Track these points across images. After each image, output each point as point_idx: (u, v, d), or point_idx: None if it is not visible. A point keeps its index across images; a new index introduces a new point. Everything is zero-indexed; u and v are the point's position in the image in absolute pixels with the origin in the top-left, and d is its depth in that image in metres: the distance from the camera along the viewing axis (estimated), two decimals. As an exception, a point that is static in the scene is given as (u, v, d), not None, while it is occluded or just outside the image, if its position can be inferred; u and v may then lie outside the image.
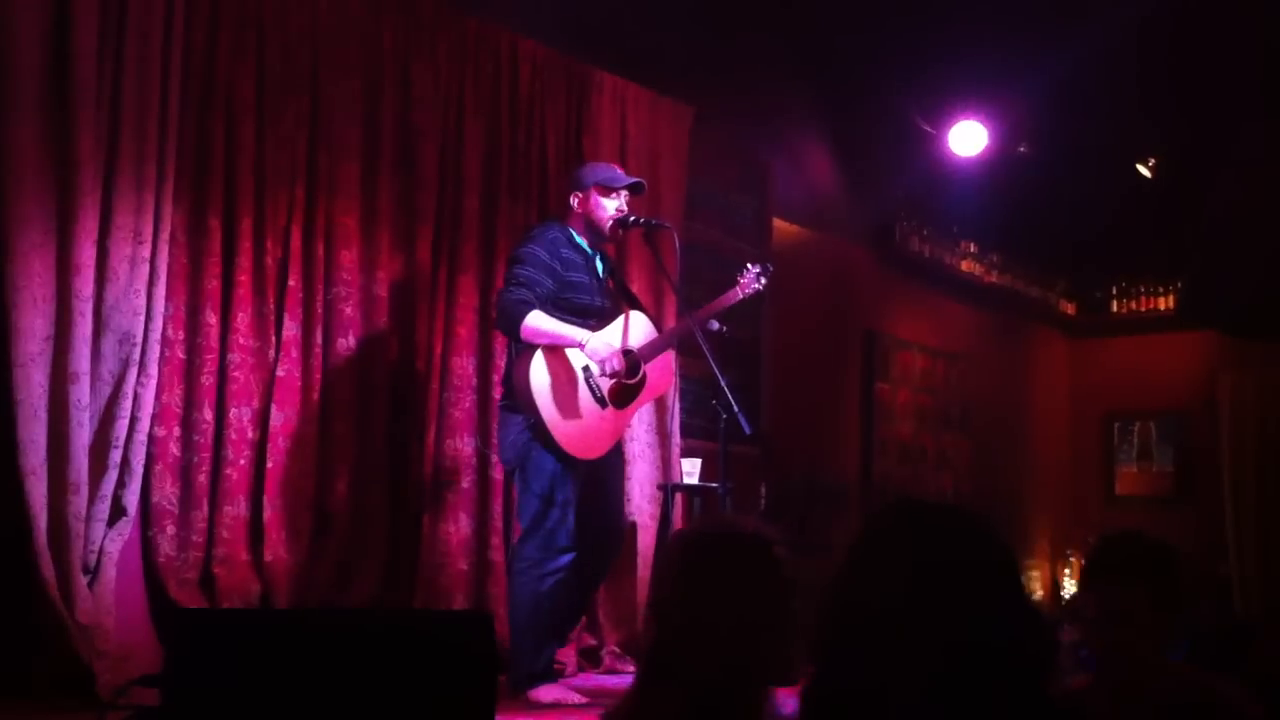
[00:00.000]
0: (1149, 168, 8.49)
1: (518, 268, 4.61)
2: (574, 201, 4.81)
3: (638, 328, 4.82)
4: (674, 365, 5.02)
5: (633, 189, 4.86)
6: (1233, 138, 7.49)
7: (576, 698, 4.55)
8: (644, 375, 4.76)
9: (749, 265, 5.09)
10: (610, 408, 4.66)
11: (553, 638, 4.72)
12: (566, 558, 4.57)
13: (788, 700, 2.01)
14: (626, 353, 4.70)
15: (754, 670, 2.00)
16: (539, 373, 4.55)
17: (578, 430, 4.59)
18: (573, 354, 4.61)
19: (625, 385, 4.69)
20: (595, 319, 4.71)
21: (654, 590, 2.20)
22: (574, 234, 4.80)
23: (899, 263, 8.81)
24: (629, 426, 6.03)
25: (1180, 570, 2.60)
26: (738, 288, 5.02)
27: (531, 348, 4.55)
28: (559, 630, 4.81)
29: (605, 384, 4.65)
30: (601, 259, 4.91)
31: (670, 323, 5.51)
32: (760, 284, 5.04)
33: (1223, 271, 8.93)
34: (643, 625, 2.07)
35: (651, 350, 4.79)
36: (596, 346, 4.58)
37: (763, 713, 2.03)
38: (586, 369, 4.61)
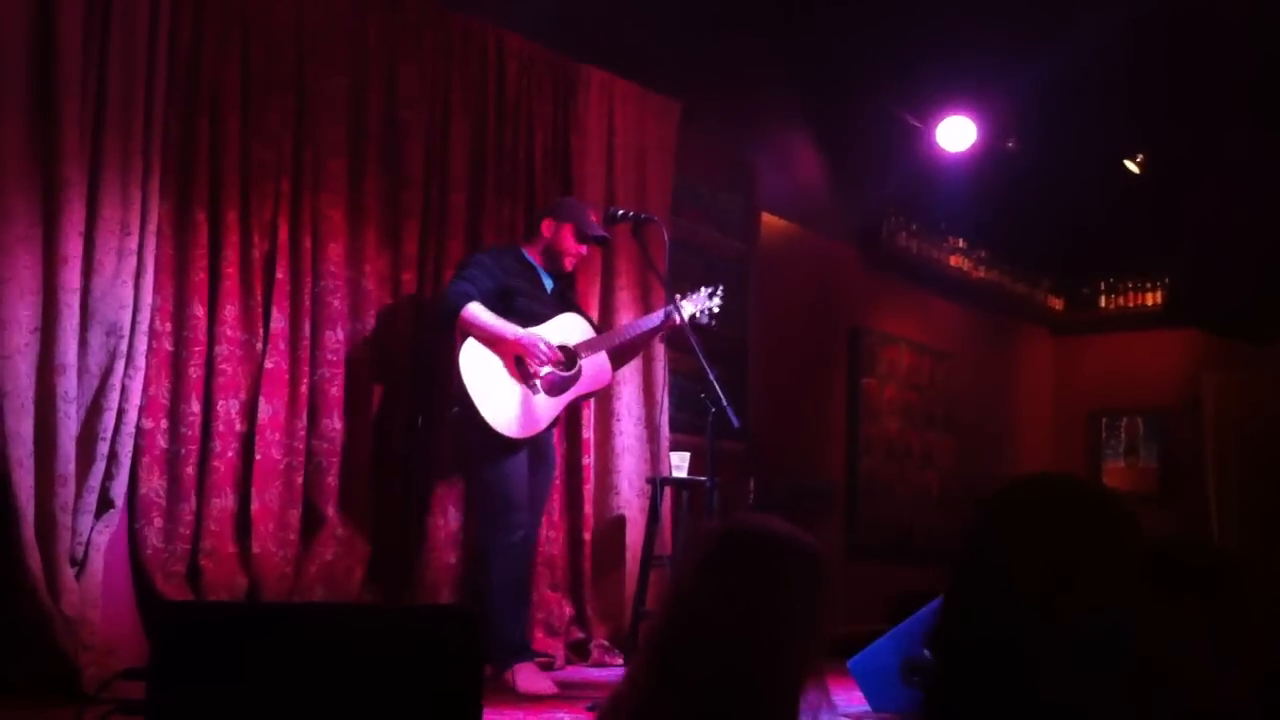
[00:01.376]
0: (1137, 164, 8.51)
1: (463, 269, 4.94)
2: (545, 228, 5.05)
3: (575, 328, 5.01)
4: (608, 366, 5.15)
5: (601, 242, 5.21)
6: (1219, 138, 7.52)
7: (552, 687, 4.67)
8: (580, 369, 4.93)
9: (702, 289, 5.17)
10: (541, 393, 4.83)
11: (522, 607, 4.95)
12: (519, 533, 4.81)
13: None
14: (561, 347, 4.89)
15: (767, 678, 1.92)
16: (470, 356, 4.75)
17: (506, 410, 4.76)
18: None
19: (560, 376, 4.86)
20: (534, 323, 4.88)
21: (676, 580, 2.13)
22: (526, 255, 5.06)
23: (886, 259, 8.82)
24: (615, 419, 6.06)
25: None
26: (671, 315, 4.99)
27: (464, 336, 4.75)
28: (526, 598, 5.06)
29: (538, 371, 4.82)
30: (554, 279, 5.10)
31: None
32: (709, 308, 5.13)
33: (1209, 271, 8.97)
34: (655, 613, 2.08)
35: (589, 348, 4.98)
36: (531, 341, 4.75)
37: (782, 715, 1.97)
38: (518, 358, 4.78)
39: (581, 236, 5.03)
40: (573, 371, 4.92)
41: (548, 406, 4.87)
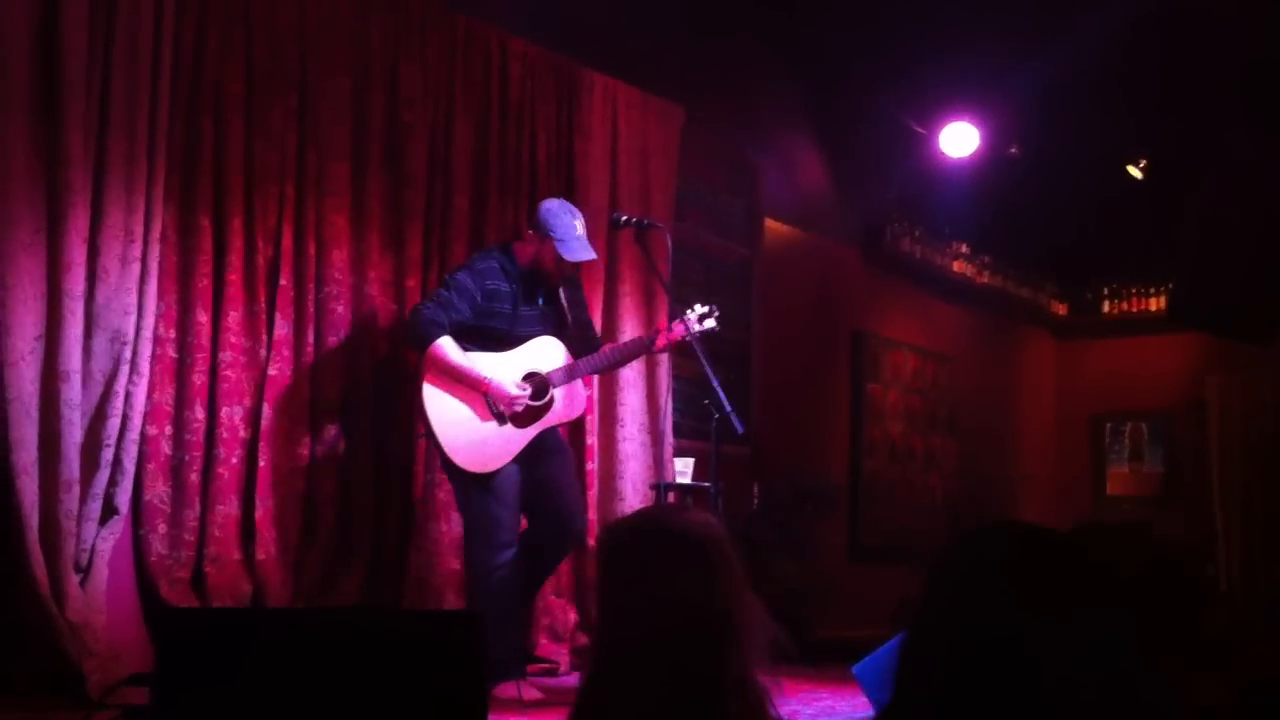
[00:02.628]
0: (1140, 169, 8.51)
1: (442, 289, 4.76)
2: (528, 238, 4.88)
3: (550, 353, 4.83)
4: (583, 395, 5.06)
5: (579, 263, 4.96)
6: (1219, 139, 7.51)
7: (533, 694, 4.59)
8: (551, 398, 4.79)
9: (695, 307, 4.97)
10: (508, 425, 4.71)
11: (506, 629, 4.73)
12: (508, 553, 4.67)
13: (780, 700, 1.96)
14: (530, 375, 4.75)
15: (708, 670, 1.87)
16: (432, 388, 4.65)
17: (467, 443, 4.65)
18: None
19: (530, 406, 4.73)
20: (508, 347, 4.76)
21: (597, 590, 2.12)
22: (517, 260, 4.85)
23: (889, 263, 8.83)
24: (620, 424, 6.05)
25: None
26: (660, 335, 4.96)
27: (429, 366, 4.65)
28: (515, 621, 4.87)
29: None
30: (546, 286, 4.90)
31: (661, 323, 5.48)
32: (699, 328, 4.92)
33: (1211, 273, 8.96)
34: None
35: (563, 377, 4.81)
36: (499, 387, 4.63)
37: (729, 710, 1.93)
38: (487, 382, 4.65)
39: (559, 262, 4.80)
40: (544, 401, 4.76)
41: (515, 438, 4.72)
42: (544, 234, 4.79)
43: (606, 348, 5.09)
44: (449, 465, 4.73)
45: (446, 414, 4.64)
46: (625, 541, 2.01)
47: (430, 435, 4.67)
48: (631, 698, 1.87)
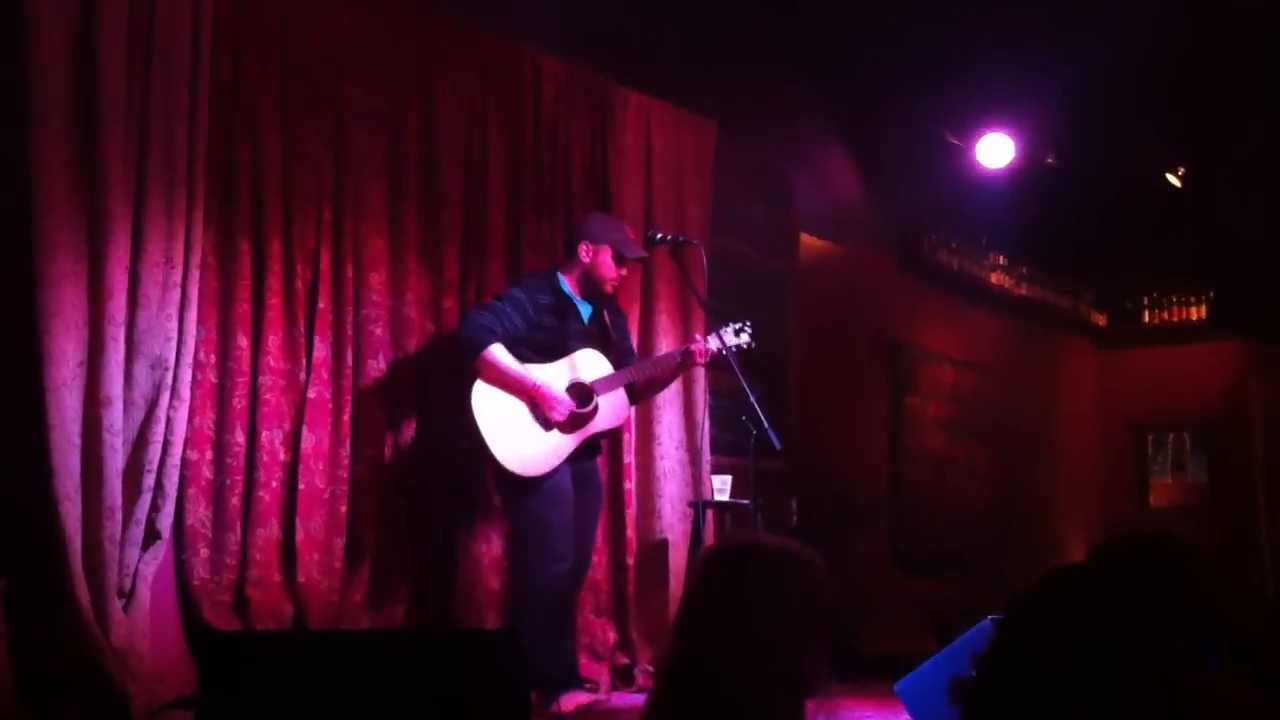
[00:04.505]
0: (1179, 177, 8.44)
1: (495, 300, 4.87)
2: (582, 251, 4.94)
3: (594, 364, 4.91)
4: (626, 404, 5.10)
5: (641, 261, 5.11)
6: (1257, 144, 7.46)
7: (602, 703, 4.62)
8: (595, 406, 4.85)
9: (729, 324, 5.05)
10: (555, 431, 4.77)
11: (563, 641, 4.82)
12: (564, 564, 4.73)
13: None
14: (574, 385, 4.82)
15: (773, 684, 1.97)
16: (482, 394, 4.71)
17: (516, 448, 4.70)
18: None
19: (575, 414, 4.79)
20: (555, 359, 4.84)
21: (680, 606, 2.20)
22: (562, 282, 4.95)
23: (927, 274, 8.79)
24: (657, 442, 6.05)
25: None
26: (692, 354, 4.98)
27: (479, 373, 4.72)
28: (568, 633, 4.91)
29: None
30: (593, 307, 5.01)
31: (695, 338, 5.47)
32: (734, 342, 5.00)
33: (1253, 278, 8.88)
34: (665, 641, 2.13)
35: (607, 385, 4.89)
36: (549, 392, 4.71)
37: None
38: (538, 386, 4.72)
39: (619, 259, 4.95)
40: (589, 409, 4.84)
41: (563, 444, 4.79)
42: (599, 240, 4.92)
43: (645, 360, 5.18)
44: (499, 474, 4.77)
45: (495, 419, 4.70)
46: (724, 562, 2.08)
47: (478, 441, 4.69)
48: (697, 714, 1.93)
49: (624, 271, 5.04)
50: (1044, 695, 1.71)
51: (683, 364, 5.07)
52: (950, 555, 8.55)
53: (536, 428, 4.74)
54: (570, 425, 4.79)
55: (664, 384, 5.40)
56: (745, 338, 5.03)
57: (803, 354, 7.42)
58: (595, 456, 5.10)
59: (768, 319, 5.12)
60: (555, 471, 4.75)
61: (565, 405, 4.73)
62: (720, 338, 4.98)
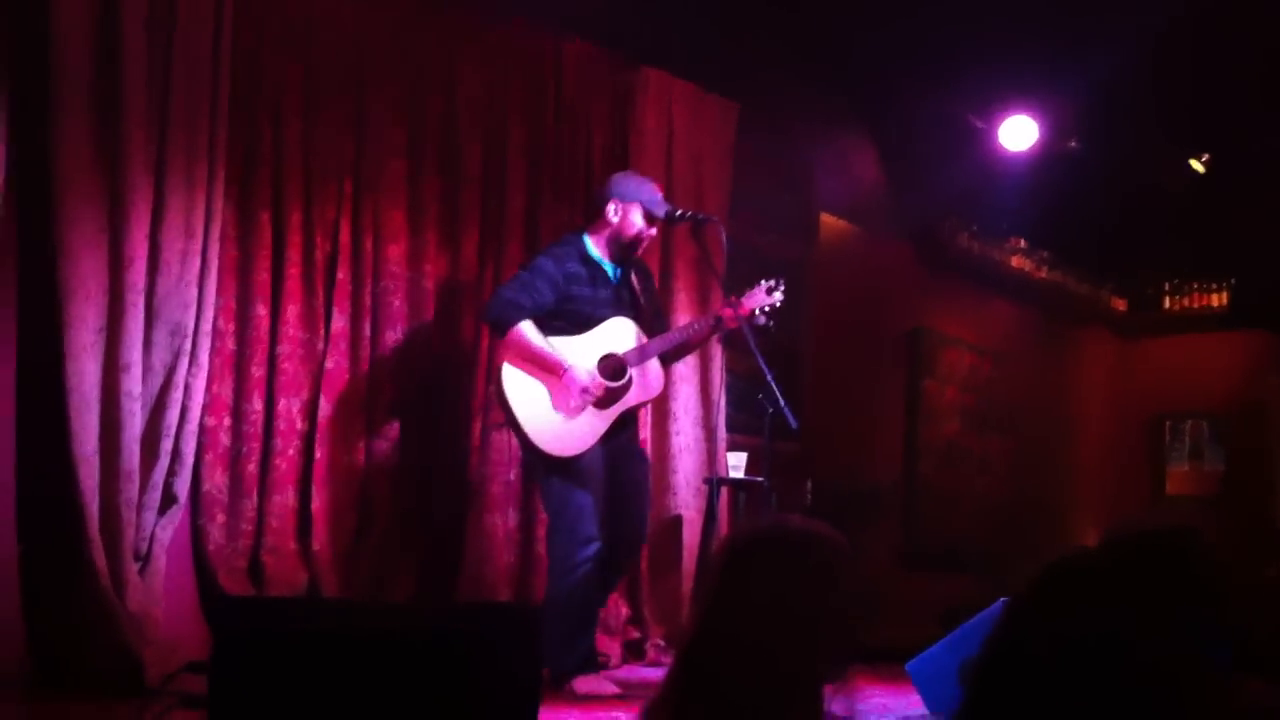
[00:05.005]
0: (1202, 162, 8.39)
1: (524, 272, 4.72)
2: (611, 210, 4.80)
3: (625, 334, 4.78)
4: (659, 374, 4.94)
5: (671, 219, 4.91)
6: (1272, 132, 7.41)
7: (612, 689, 4.59)
8: (629, 379, 4.73)
9: (762, 281, 4.92)
10: (589, 409, 4.65)
11: (585, 628, 4.73)
12: (592, 547, 4.61)
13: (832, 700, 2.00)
14: (606, 357, 4.69)
15: (794, 669, 1.98)
16: (512, 375, 4.61)
17: (550, 427, 4.60)
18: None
19: (609, 388, 4.67)
20: (585, 329, 4.72)
21: (698, 588, 2.20)
22: (590, 247, 4.82)
23: (946, 260, 8.75)
24: (673, 419, 6.05)
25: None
26: (726, 316, 4.85)
27: (508, 350, 4.62)
28: (591, 620, 4.82)
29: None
30: (622, 269, 4.89)
31: (729, 302, 5.41)
32: (769, 302, 4.88)
33: (1275, 271, 8.84)
34: (686, 621, 2.11)
35: (639, 356, 4.76)
36: (573, 378, 4.58)
37: (807, 713, 2.02)
38: (566, 370, 4.61)
39: (650, 217, 4.80)
40: (622, 382, 4.71)
41: (597, 419, 4.68)
42: (628, 198, 4.78)
43: (679, 325, 5.06)
44: (531, 453, 4.69)
45: (528, 398, 4.60)
46: (752, 547, 2.08)
47: (512, 421, 4.62)
48: (715, 696, 1.94)
49: (654, 230, 4.89)
50: (1045, 693, 1.71)
51: (716, 328, 4.93)
52: (963, 548, 8.53)
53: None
54: (605, 401, 4.68)
55: (695, 348, 5.32)
56: (778, 296, 4.89)
57: (820, 339, 7.40)
58: (632, 427, 4.97)
59: (785, 302, 5.04)
60: (588, 451, 4.65)
61: (593, 389, 4.61)
62: (753, 298, 4.86)
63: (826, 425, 7.27)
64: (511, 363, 4.63)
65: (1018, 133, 7.92)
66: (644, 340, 4.81)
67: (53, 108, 4.01)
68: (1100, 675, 1.66)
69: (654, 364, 4.86)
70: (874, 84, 7.50)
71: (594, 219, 4.91)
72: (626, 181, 4.90)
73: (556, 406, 4.62)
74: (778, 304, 4.90)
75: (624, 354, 4.73)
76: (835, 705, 2.00)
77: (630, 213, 4.78)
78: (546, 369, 4.61)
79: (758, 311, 4.86)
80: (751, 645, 1.95)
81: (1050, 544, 8.93)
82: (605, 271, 4.83)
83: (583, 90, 5.88)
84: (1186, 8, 6.19)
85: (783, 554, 2.03)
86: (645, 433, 5.87)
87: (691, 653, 2.05)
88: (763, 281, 4.92)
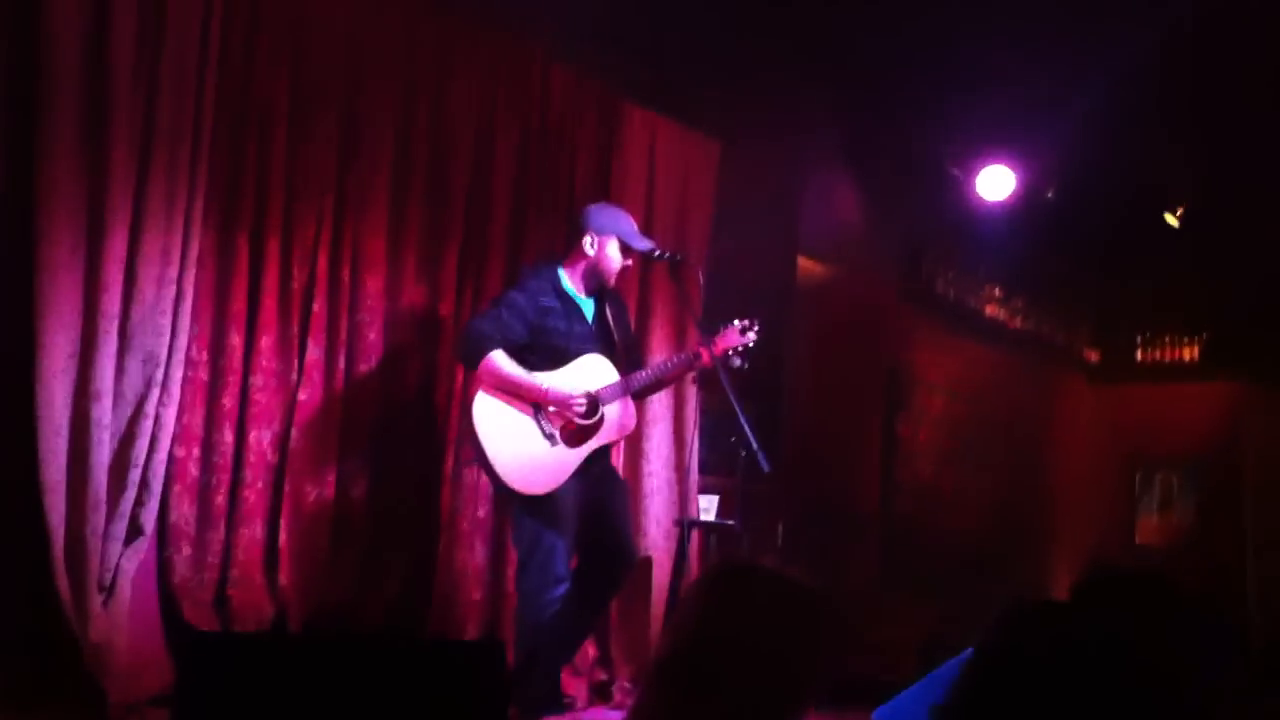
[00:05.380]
0: (1176, 217, 8.46)
1: (494, 307, 4.68)
2: (587, 242, 4.78)
3: (599, 371, 4.75)
4: (633, 411, 4.92)
5: (647, 254, 4.89)
6: (1255, 181, 7.48)
7: None
8: (602, 416, 4.70)
9: (736, 321, 4.91)
10: (560, 445, 4.62)
11: (553, 666, 4.69)
12: (559, 589, 4.56)
13: None
14: (584, 395, 4.65)
15: (765, 705, 1.97)
16: (484, 406, 4.56)
17: (520, 464, 4.55)
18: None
19: (581, 425, 4.64)
20: (561, 365, 4.68)
21: (673, 620, 2.19)
22: (564, 279, 4.79)
23: (924, 302, 8.79)
24: (645, 459, 6.03)
25: None
26: (700, 355, 4.82)
27: (480, 382, 4.57)
28: (559, 659, 4.78)
29: (556, 422, 4.63)
30: (596, 302, 4.87)
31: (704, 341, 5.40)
32: (743, 342, 4.86)
33: (1250, 317, 8.91)
34: (655, 646, 2.10)
35: (612, 394, 4.72)
36: (559, 393, 4.56)
37: None
38: (537, 406, 4.58)
39: (627, 250, 4.79)
40: (594, 420, 4.67)
41: (569, 458, 4.63)
42: (604, 231, 4.77)
43: (654, 362, 5.05)
44: (501, 489, 4.64)
45: (498, 433, 4.54)
46: (737, 581, 2.06)
47: (481, 456, 4.57)
48: None
49: (629, 262, 4.88)
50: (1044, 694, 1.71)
51: (691, 365, 4.89)
52: (940, 583, 8.53)
53: (542, 441, 4.58)
54: (577, 438, 4.65)
55: (669, 384, 5.29)
56: (752, 336, 4.87)
57: (800, 375, 7.41)
58: (605, 459, 4.90)
59: (766, 338, 5.03)
60: (559, 489, 4.59)
61: (579, 403, 4.58)
62: (727, 338, 4.84)
63: (805, 460, 7.27)
64: (483, 398, 4.58)
65: (995, 182, 7.98)
66: (619, 377, 4.78)
67: (39, 121, 3.99)
68: (1100, 676, 1.66)
69: (627, 402, 4.83)
70: (859, 123, 7.54)
71: (569, 251, 4.89)
72: (603, 213, 4.88)
73: (538, 435, 4.56)
74: (751, 344, 4.88)
75: (598, 391, 4.69)
76: None
77: (606, 245, 4.77)
78: (523, 395, 4.56)
79: (731, 352, 4.84)
80: (719, 679, 1.93)
81: (1024, 582, 8.96)
82: (580, 308, 4.81)
83: (568, 115, 5.86)
84: (1164, 55, 6.25)
85: (757, 597, 2.03)
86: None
87: (660, 680, 2.04)
88: (736, 321, 4.90)
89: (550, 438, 4.60)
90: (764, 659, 1.97)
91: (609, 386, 4.72)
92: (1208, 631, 2.27)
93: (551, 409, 4.59)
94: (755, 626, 1.99)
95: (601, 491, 4.76)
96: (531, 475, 4.57)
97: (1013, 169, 7.94)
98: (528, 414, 4.60)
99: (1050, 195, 8.18)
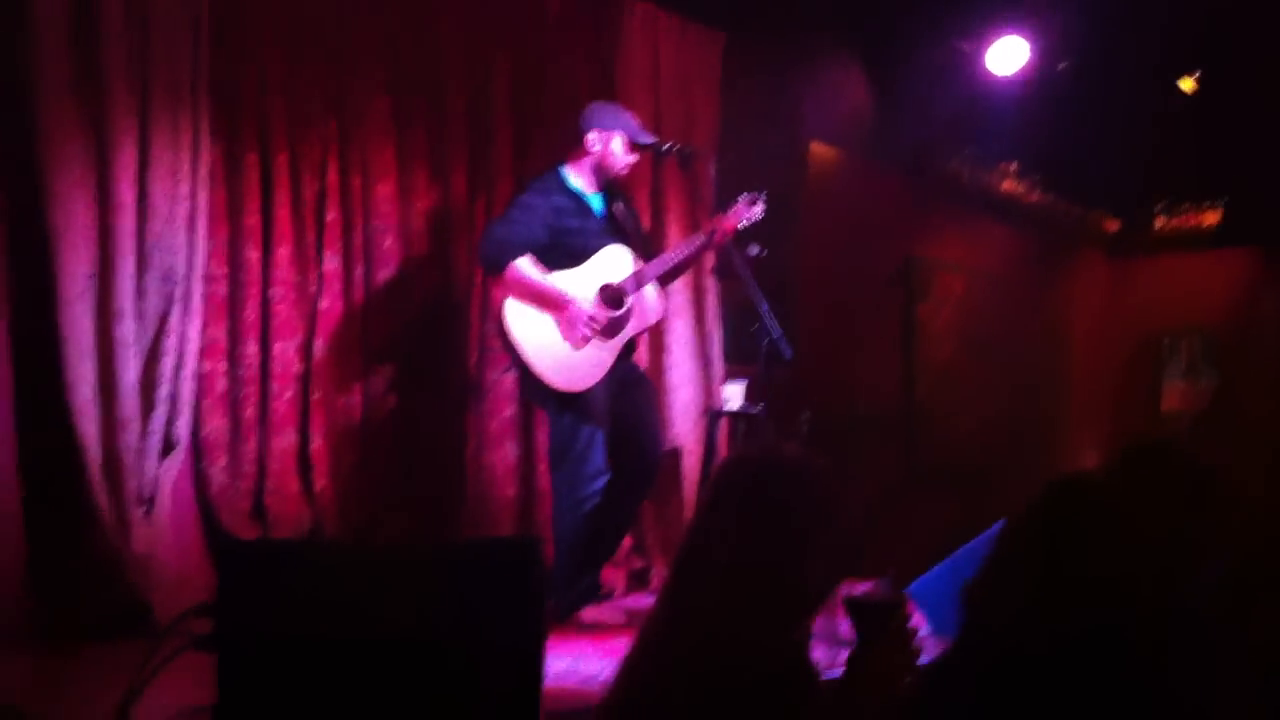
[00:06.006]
0: (1193, 81, 8.33)
1: (513, 209, 4.64)
2: (591, 139, 4.73)
3: (620, 261, 4.73)
4: (658, 299, 4.88)
5: (651, 149, 4.84)
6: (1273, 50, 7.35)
7: (619, 617, 4.63)
8: (630, 308, 4.68)
9: (741, 197, 4.85)
10: (594, 340, 4.61)
11: (591, 563, 4.73)
12: (600, 481, 4.60)
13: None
14: (604, 288, 4.64)
15: (782, 597, 2.00)
16: (514, 312, 4.56)
17: (557, 364, 4.56)
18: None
19: (611, 317, 4.63)
20: (581, 262, 4.66)
21: (695, 512, 2.21)
22: (569, 179, 4.76)
23: (937, 185, 8.72)
24: (668, 352, 6.05)
25: None
26: (715, 229, 4.76)
27: (507, 288, 4.57)
28: (597, 555, 4.81)
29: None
30: (604, 197, 4.84)
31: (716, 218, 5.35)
32: (751, 215, 4.82)
33: (1268, 186, 8.82)
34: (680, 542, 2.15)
35: (636, 282, 4.70)
36: (578, 309, 4.54)
37: (796, 638, 2.03)
38: (570, 302, 4.57)
39: (633, 145, 4.76)
40: (623, 310, 4.66)
41: (603, 351, 4.63)
42: (609, 128, 4.73)
43: (669, 249, 5.01)
44: (538, 390, 4.63)
45: (534, 335, 4.55)
46: (743, 472, 2.09)
47: (518, 360, 4.58)
48: (706, 622, 1.96)
49: (635, 158, 4.84)
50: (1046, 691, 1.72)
51: (706, 244, 4.83)
52: (963, 468, 8.57)
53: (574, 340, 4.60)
54: (609, 331, 4.64)
55: (688, 268, 5.22)
56: (759, 208, 4.82)
57: (812, 268, 7.38)
58: (631, 356, 4.90)
59: (775, 233, 4.99)
60: (596, 385, 4.62)
61: (599, 318, 4.59)
62: (736, 214, 4.79)
63: (822, 353, 7.28)
64: (512, 303, 4.58)
65: (1007, 55, 7.85)
66: (639, 266, 4.77)
67: (32, 52, 3.97)
68: (1100, 672, 1.66)
69: (651, 290, 4.82)
70: (863, 8, 7.43)
71: (573, 150, 4.84)
72: (605, 111, 4.84)
73: (565, 339, 4.58)
74: (760, 216, 4.84)
75: (621, 282, 4.69)
76: (818, 625, 2.03)
77: (611, 142, 4.73)
78: (549, 303, 4.56)
79: (743, 223, 4.80)
80: (739, 573, 1.97)
81: (1049, 462, 8.99)
82: (589, 202, 4.79)
83: (567, 22, 5.80)
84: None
85: (778, 481, 2.05)
86: (642, 368, 5.87)
87: (678, 579, 2.06)
88: (743, 194, 4.85)
89: (576, 340, 4.60)
90: (776, 550, 1.99)
91: (630, 278, 4.71)
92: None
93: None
94: (771, 516, 2.01)
95: (628, 394, 4.77)
96: (572, 373, 4.57)
97: (1024, 39, 7.80)
98: (557, 315, 4.60)
99: (1062, 66, 8.05)
